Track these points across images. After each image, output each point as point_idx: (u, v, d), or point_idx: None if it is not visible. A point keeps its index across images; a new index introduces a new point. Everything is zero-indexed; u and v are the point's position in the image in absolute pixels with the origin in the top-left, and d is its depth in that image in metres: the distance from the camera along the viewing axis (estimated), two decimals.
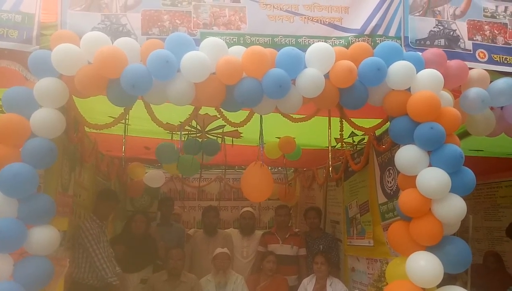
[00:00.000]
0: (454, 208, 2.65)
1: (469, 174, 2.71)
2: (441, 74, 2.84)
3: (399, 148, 2.91)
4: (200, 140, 4.51)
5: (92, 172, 4.26)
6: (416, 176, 2.73)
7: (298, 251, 4.83)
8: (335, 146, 4.83)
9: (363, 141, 4.80)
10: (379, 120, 3.32)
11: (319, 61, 2.81)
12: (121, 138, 5.00)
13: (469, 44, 3.20)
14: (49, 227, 2.57)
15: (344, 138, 4.39)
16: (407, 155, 2.78)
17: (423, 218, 2.70)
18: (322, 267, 4.22)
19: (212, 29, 2.94)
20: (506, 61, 3.17)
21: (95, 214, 3.81)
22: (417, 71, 2.84)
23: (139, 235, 4.37)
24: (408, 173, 2.80)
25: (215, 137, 4.71)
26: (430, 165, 2.75)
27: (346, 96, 2.90)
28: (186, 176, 5.45)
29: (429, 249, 2.72)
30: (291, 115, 3.20)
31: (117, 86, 2.58)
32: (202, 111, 3.90)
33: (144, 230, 4.43)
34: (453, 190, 2.65)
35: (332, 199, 5.10)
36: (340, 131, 3.32)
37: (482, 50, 3.21)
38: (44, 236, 2.52)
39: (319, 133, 4.60)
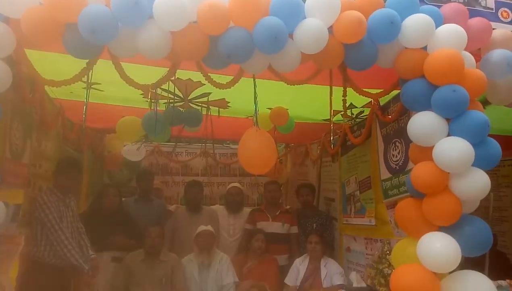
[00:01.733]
0: (476, 183, 2.29)
1: (495, 146, 2.34)
2: (464, 31, 2.43)
3: (407, 118, 2.51)
4: (182, 110, 4.05)
5: (57, 141, 3.77)
6: (432, 147, 2.34)
7: (290, 229, 4.48)
8: (332, 118, 4.44)
9: (362, 115, 4.41)
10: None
11: (322, 11, 2.37)
12: (97, 107, 4.56)
13: (491, 2, 2.87)
14: None
15: (342, 111, 3.99)
16: (423, 123, 2.38)
17: (439, 194, 2.33)
18: (316, 247, 3.87)
19: None
20: None
21: (56, 187, 3.33)
22: (436, 27, 2.42)
23: (110, 211, 3.93)
24: (423, 143, 2.40)
25: (199, 107, 4.25)
26: (448, 135, 2.36)
27: (352, 54, 2.47)
28: (153, 137, 4.98)
29: (444, 229, 2.36)
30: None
31: (75, 33, 2.10)
32: (184, 76, 3.45)
33: (116, 205, 4.00)
34: (476, 163, 2.27)
35: (327, 175, 4.73)
36: (343, 96, 2.90)
37: (506, 9, 2.88)
38: None
39: (314, 104, 4.20)
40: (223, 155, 6.26)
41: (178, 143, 6.11)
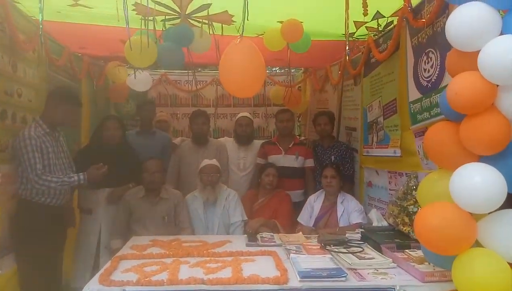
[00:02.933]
0: None
1: None
2: None
3: (445, 19, 1.89)
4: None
5: (42, 67, 3.37)
6: (478, 51, 1.75)
7: (304, 162, 4.05)
8: (354, 33, 3.77)
9: (391, 28, 3.70)
10: None
11: None
12: (92, 31, 4.07)
13: None
14: None
15: (366, 23, 3.33)
16: (468, 17, 1.75)
17: (483, 114, 1.78)
18: (332, 182, 3.44)
19: None
20: None
21: (44, 119, 2.98)
22: None
23: (112, 145, 3.57)
24: (466, 46, 1.80)
25: (199, 23, 3.68)
26: (501, 34, 1.75)
27: None
28: (169, 67, 4.47)
29: (486, 160, 1.84)
30: None
31: None
32: None
33: (118, 139, 3.63)
34: None
35: (349, 101, 4.16)
36: None
37: None
38: None
39: (332, 15, 3.53)
40: None
41: (187, 71, 5.65)
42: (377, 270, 2.36)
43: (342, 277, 2.19)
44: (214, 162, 3.57)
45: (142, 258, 2.56)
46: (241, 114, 4.30)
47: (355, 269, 2.36)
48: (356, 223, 3.31)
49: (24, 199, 2.91)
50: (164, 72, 5.57)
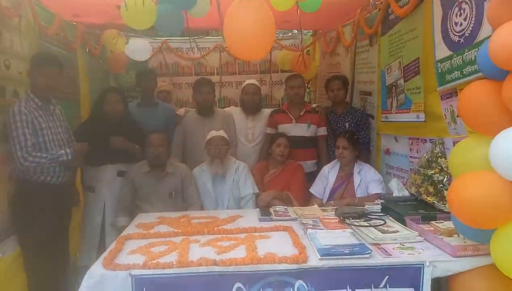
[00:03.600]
0: None
1: None
2: None
3: None
4: None
5: (32, 36, 3.12)
6: None
7: (317, 131, 3.82)
8: None
9: None
10: None
11: None
12: None
13: None
14: None
15: None
16: None
17: None
18: (345, 151, 3.22)
19: None
20: None
21: (34, 91, 2.75)
22: None
23: (113, 119, 3.36)
24: None
25: None
26: None
27: None
28: (168, 32, 4.16)
29: None
30: None
31: None
32: None
33: (120, 112, 3.41)
34: None
35: (363, 64, 3.87)
36: None
37: None
38: None
39: None
40: None
41: (188, 37, 5.34)
42: (403, 245, 2.18)
43: (366, 254, 2.02)
44: (221, 133, 3.36)
45: (149, 237, 2.40)
46: (247, 81, 4.03)
47: (379, 244, 2.18)
48: (375, 194, 3.12)
49: (22, 179, 2.73)
50: (165, 39, 5.27)
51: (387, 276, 1.97)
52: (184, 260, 2.00)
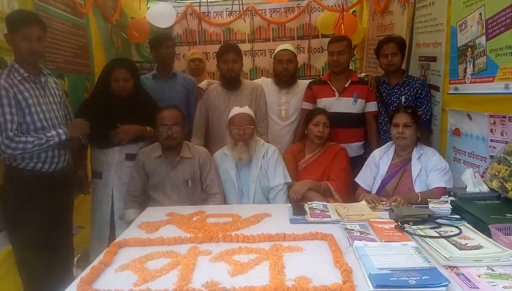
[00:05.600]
0: None
1: None
2: None
3: None
4: None
5: None
6: None
7: (366, 106, 3.14)
8: None
9: None
10: None
11: None
12: None
13: None
14: None
15: None
16: None
17: None
18: (406, 132, 2.54)
19: None
20: None
21: (18, 61, 2.26)
22: None
23: (121, 97, 2.83)
24: None
25: None
26: None
27: None
28: None
29: None
30: None
31: None
32: None
33: (129, 90, 2.85)
34: None
35: (425, 22, 3.09)
36: None
37: None
38: None
39: None
40: (275, 10, 4.74)
41: (216, 1, 4.74)
42: (493, 270, 1.53)
43: (442, 286, 1.39)
44: (246, 110, 2.77)
45: (148, 245, 1.90)
46: (280, 47, 3.35)
47: (456, 267, 1.55)
48: (439, 187, 2.44)
49: (10, 166, 2.30)
50: (190, 2, 4.69)
51: None
52: (184, 284, 1.48)
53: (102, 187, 2.91)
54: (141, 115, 2.87)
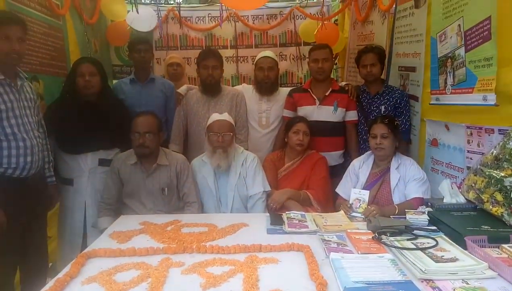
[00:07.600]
0: None
1: None
2: None
3: None
4: None
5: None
6: None
7: (346, 115, 3.14)
8: None
9: None
10: None
11: None
12: None
13: None
14: None
15: None
16: None
17: None
18: (384, 142, 2.54)
19: None
20: None
21: None
22: None
23: (91, 96, 2.77)
24: None
25: None
26: None
27: None
28: None
29: None
30: None
31: None
32: None
33: (97, 87, 2.77)
34: None
35: (405, 32, 3.11)
36: None
37: None
38: None
39: None
40: (257, 17, 4.73)
41: (198, 6, 4.71)
42: (467, 283, 1.52)
43: None
44: (225, 116, 2.73)
45: (119, 255, 1.82)
46: (261, 54, 3.33)
47: (431, 280, 1.53)
48: (416, 198, 2.43)
49: None
50: (172, 7, 4.63)
51: None
52: None
53: (74, 194, 2.80)
54: (110, 119, 2.79)
